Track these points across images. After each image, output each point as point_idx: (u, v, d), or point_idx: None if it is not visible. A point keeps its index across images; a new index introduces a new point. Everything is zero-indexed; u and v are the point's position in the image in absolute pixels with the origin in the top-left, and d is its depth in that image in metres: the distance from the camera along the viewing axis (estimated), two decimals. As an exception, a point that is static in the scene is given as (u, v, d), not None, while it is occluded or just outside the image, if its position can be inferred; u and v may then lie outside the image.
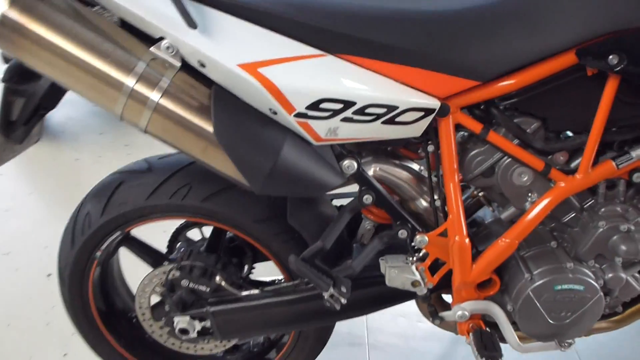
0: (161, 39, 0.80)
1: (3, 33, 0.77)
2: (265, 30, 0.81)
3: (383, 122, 0.85)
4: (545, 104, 0.90)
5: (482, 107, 0.92)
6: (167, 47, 0.80)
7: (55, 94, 0.97)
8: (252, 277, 1.22)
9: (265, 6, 0.81)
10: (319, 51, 0.82)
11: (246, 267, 1.21)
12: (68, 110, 2.74)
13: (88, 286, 1.15)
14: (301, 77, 0.80)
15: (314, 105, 0.81)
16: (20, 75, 0.89)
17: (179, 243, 1.25)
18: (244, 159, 0.82)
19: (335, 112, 0.83)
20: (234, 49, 0.78)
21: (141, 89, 0.80)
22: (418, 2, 0.86)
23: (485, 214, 1.11)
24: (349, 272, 0.96)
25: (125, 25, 0.82)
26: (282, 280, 1.20)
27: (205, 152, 0.85)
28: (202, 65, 0.80)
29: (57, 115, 2.66)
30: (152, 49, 0.80)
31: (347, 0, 0.85)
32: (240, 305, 1.08)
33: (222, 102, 0.82)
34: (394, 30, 0.82)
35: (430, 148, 0.95)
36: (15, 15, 0.76)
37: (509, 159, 0.94)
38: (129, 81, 0.80)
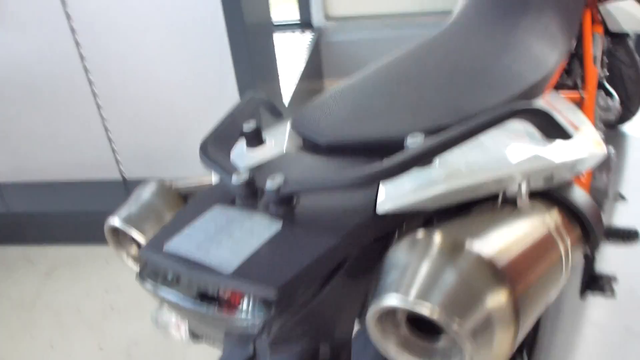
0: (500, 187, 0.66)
1: None
2: None
3: None
4: None
5: None
6: (523, 190, 0.65)
7: None
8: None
9: None
10: None
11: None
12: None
13: None
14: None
15: None
16: None
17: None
18: None
19: None
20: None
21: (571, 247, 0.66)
22: None
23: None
24: None
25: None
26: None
27: None
28: (550, 178, 0.69)
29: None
30: (523, 204, 0.66)
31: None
32: None
33: None
34: None
35: None
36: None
37: None
38: (562, 252, 0.64)
